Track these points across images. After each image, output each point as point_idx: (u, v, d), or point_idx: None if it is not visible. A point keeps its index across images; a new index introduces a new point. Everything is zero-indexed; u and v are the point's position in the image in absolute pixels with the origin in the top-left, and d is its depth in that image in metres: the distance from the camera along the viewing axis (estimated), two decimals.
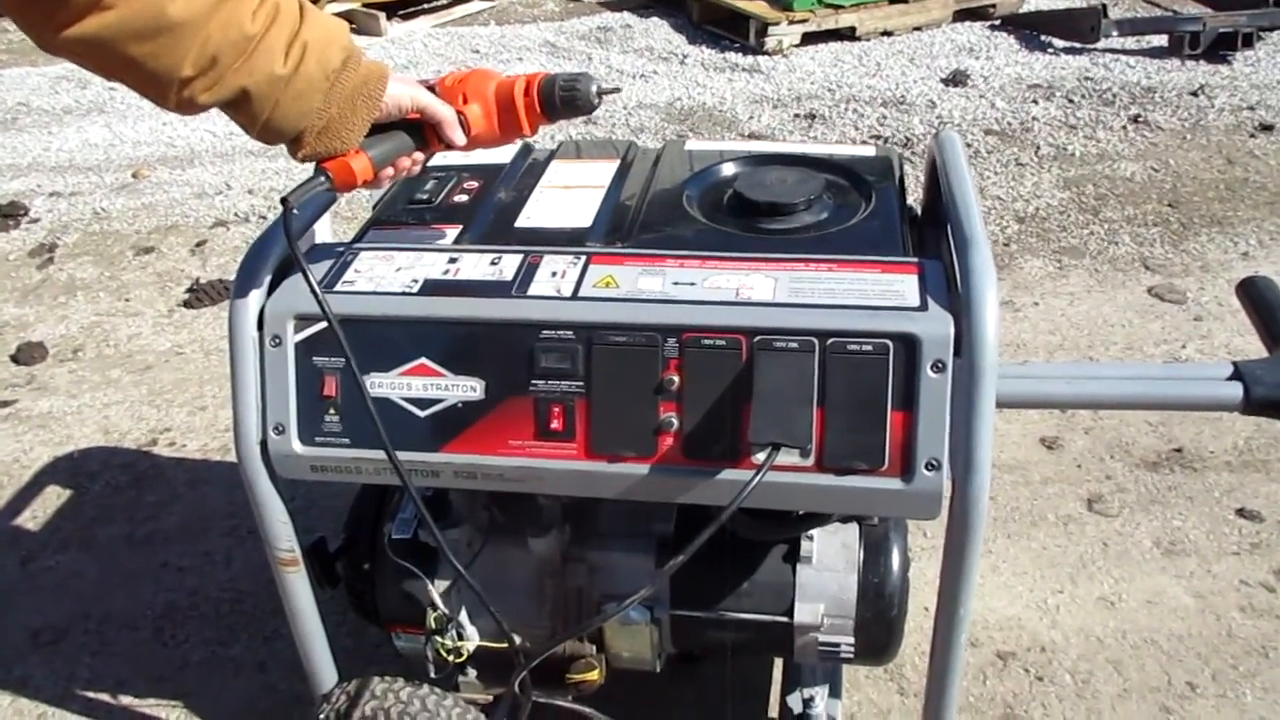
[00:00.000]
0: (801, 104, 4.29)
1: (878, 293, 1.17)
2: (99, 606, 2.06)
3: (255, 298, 1.23)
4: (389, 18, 5.35)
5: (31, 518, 2.30)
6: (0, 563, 2.18)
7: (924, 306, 1.13)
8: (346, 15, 5.29)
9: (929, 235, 1.52)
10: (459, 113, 1.17)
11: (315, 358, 1.22)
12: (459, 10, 5.61)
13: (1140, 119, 4.11)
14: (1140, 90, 4.38)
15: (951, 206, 1.27)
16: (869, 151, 1.55)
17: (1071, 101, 4.29)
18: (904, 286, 1.17)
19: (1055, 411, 2.42)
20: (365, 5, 5.31)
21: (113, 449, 2.49)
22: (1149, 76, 4.52)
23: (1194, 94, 4.34)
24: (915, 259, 1.23)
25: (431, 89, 1.18)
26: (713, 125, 4.14)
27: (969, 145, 3.90)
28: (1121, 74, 4.56)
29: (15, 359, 2.84)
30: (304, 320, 1.22)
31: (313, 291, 1.11)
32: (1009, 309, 2.88)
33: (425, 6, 5.61)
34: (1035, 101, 4.27)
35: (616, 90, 1.21)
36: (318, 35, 1.00)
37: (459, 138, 1.18)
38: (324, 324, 1.21)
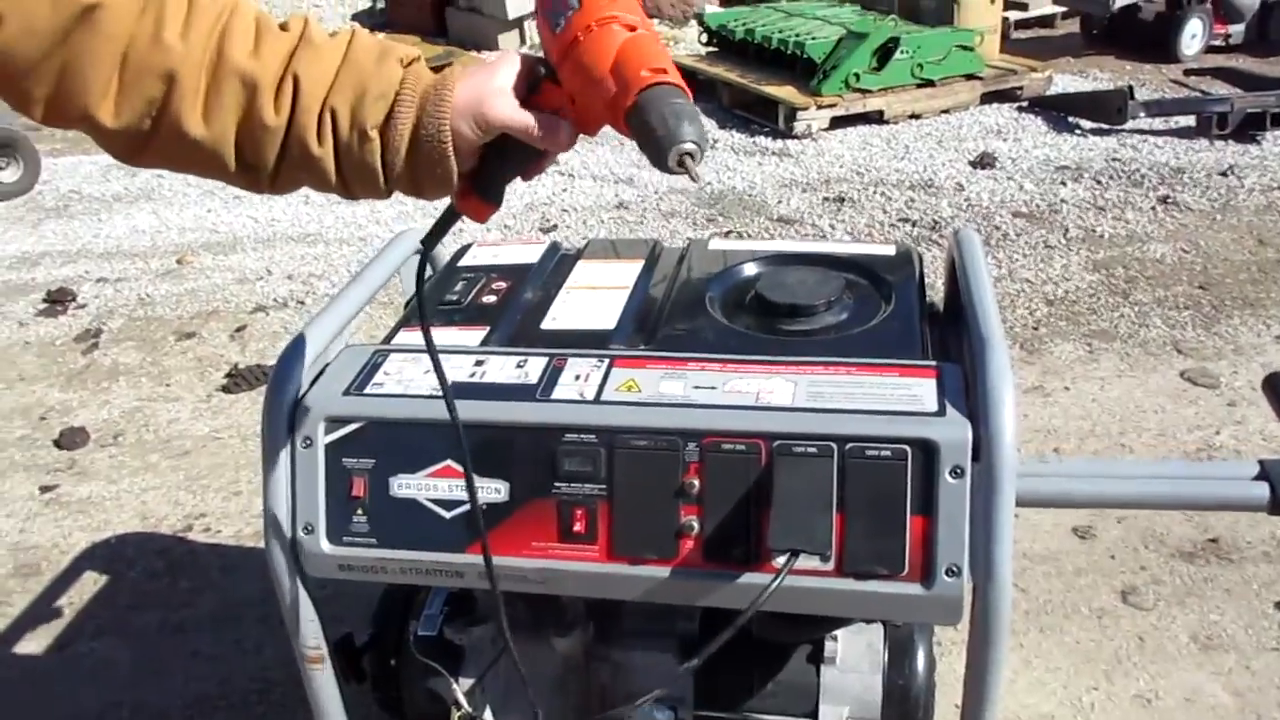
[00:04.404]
0: (830, 187, 4.35)
1: (896, 397, 1.18)
2: (131, 695, 2.07)
3: (288, 401, 1.26)
4: None
5: (68, 604, 2.33)
6: (36, 649, 2.21)
7: (942, 411, 1.14)
8: None
9: (950, 331, 1.53)
10: (551, 110, 0.94)
11: (345, 459, 1.25)
12: None
13: (1169, 200, 4.12)
14: (1169, 171, 4.40)
15: (969, 308, 1.29)
16: (889, 250, 1.58)
17: (1100, 183, 4.31)
18: (922, 390, 1.18)
19: None
20: None
21: (149, 535, 2.53)
22: (1177, 157, 4.55)
23: (1223, 174, 4.35)
24: (934, 362, 1.24)
25: (544, 72, 0.96)
26: (742, 209, 4.20)
27: (997, 228, 3.92)
28: (1150, 155, 4.58)
29: (58, 444, 2.90)
30: (334, 422, 1.25)
31: (431, 355, 1.09)
32: (1039, 394, 2.87)
33: None
34: (1063, 183, 4.30)
35: (695, 178, 0.87)
36: (346, 98, 0.91)
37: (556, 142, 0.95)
38: (354, 425, 1.24)
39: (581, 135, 0.97)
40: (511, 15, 6.58)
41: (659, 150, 0.85)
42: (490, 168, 0.97)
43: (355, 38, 0.95)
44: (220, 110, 0.90)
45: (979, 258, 1.42)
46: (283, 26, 0.94)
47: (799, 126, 4.89)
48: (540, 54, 0.99)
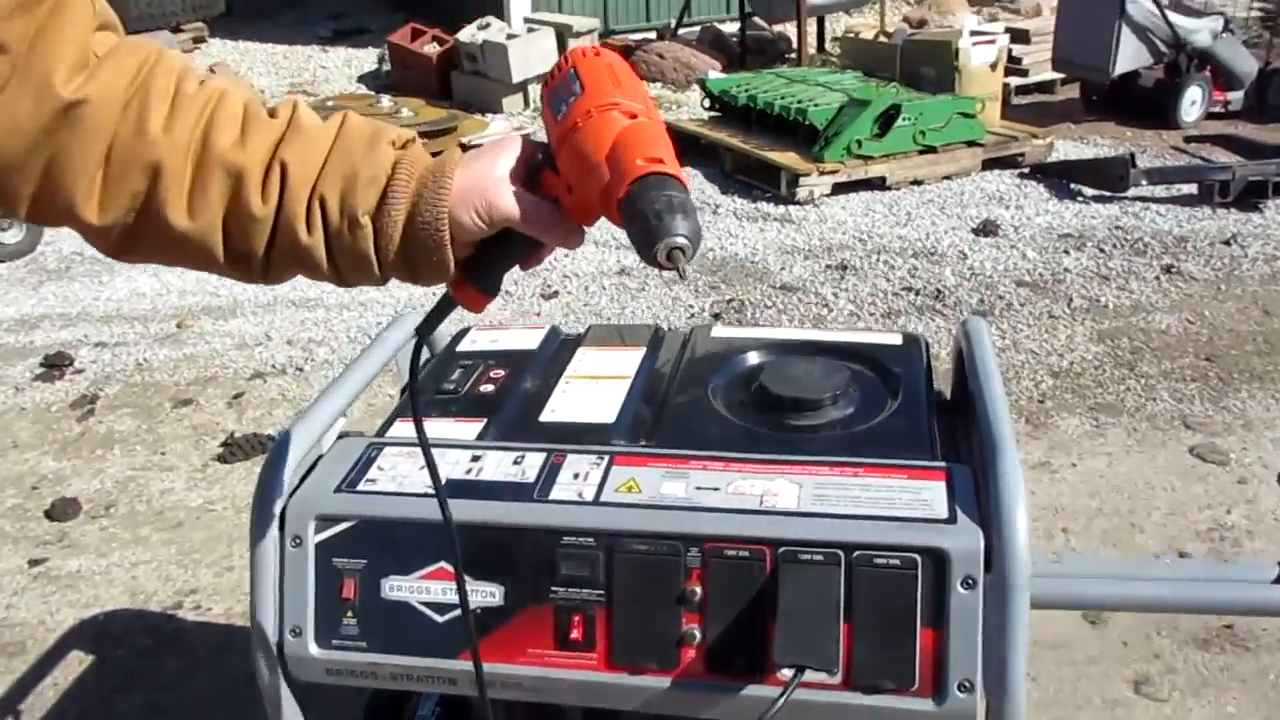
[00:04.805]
0: (833, 255, 4.34)
1: (905, 501, 1.14)
2: None
3: (277, 497, 1.23)
4: None
5: (53, 684, 2.27)
6: None
7: (952, 518, 1.11)
8: None
9: (958, 418, 1.50)
10: (549, 198, 0.91)
11: (335, 559, 1.22)
12: None
13: (1173, 269, 4.11)
14: (1172, 239, 4.40)
15: (979, 405, 1.26)
16: (895, 339, 1.55)
17: (1103, 251, 4.30)
18: (932, 495, 1.15)
19: None
20: None
21: (138, 612, 2.48)
22: (1180, 225, 4.54)
23: (1226, 243, 4.35)
24: (943, 464, 1.20)
25: (543, 156, 0.93)
26: (745, 277, 4.19)
27: (1001, 297, 3.91)
28: (1152, 223, 4.58)
29: (49, 515, 2.86)
30: (325, 521, 1.22)
31: (426, 456, 1.05)
32: (1046, 470, 2.83)
33: None
34: (1066, 252, 4.29)
35: (682, 275, 0.81)
36: (335, 184, 0.87)
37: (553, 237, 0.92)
38: (346, 524, 1.21)
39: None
40: (516, 79, 6.64)
41: (648, 243, 0.80)
42: (487, 257, 0.93)
43: (346, 121, 0.92)
44: (206, 202, 0.87)
45: (988, 349, 1.39)
46: (271, 113, 0.91)
47: (801, 192, 4.90)
48: (542, 132, 0.97)
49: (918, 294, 3.96)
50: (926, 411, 1.36)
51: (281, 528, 1.22)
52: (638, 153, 0.83)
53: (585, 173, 0.86)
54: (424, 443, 1.06)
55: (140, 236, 0.89)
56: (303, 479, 1.28)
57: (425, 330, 1.03)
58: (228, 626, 2.41)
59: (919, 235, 4.51)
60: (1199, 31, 5.98)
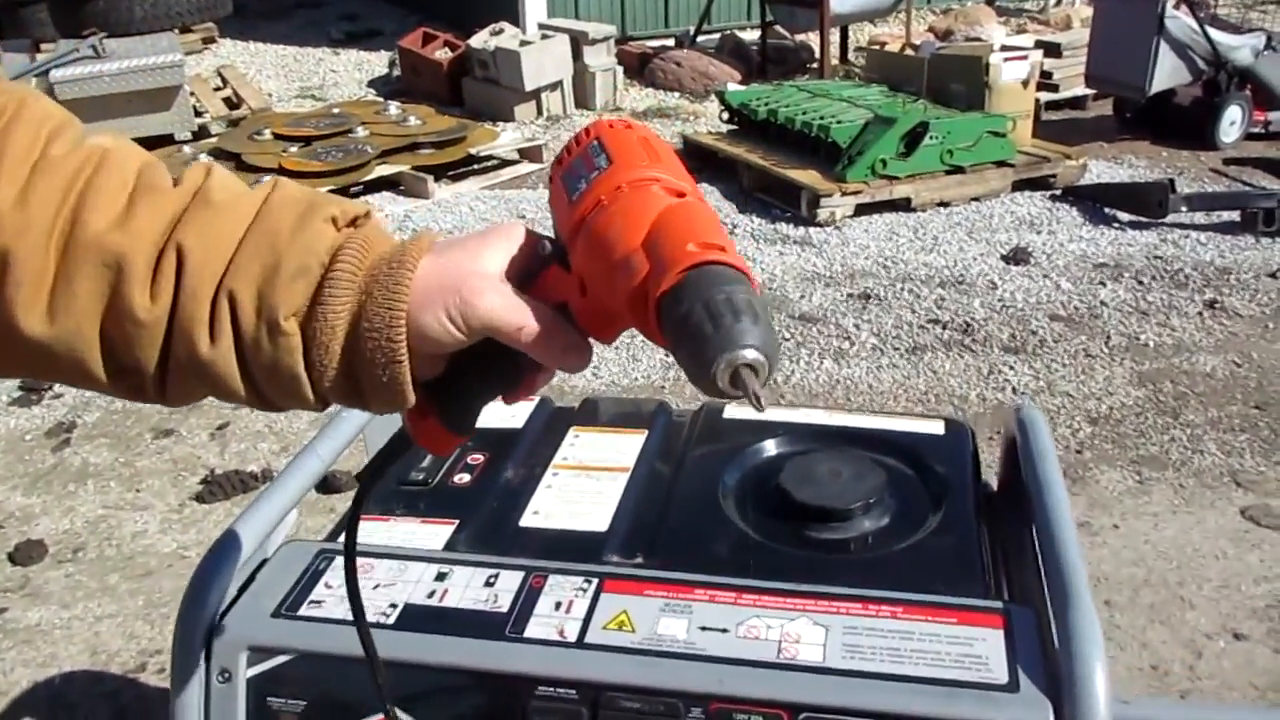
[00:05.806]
0: (855, 282, 4.12)
1: (954, 656, 0.94)
2: None
3: (206, 619, 1.04)
4: (437, 180, 5.34)
5: None
6: None
7: (1013, 684, 0.91)
8: (395, 178, 5.29)
9: (1003, 509, 1.30)
10: (552, 303, 0.66)
11: (270, 699, 1.03)
12: (507, 172, 5.59)
13: (1216, 304, 3.88)
14: (1214, 271, 4.17)
15: (1044, 535, 1.06)
16: (937, 427, 1.34)
17: (1141, 283, 4.08)
18: (987, 648, 0.95)
19: None
20: (414, 168, 5.31)
21: (98, 674, 2.29)
22: (1223, 255, 4.31)
23: (1272, 276, 4.12)
24: (1000, 605, 1.00)
25: (550, 250, 0.69)
26: None
27: (1034, 333, 3.68)
28: (1193, 252, 4.35)
29: (12, 558, 2.68)
30: (259, 653, 1.03)
31: (357, 615, 0.85)
32: (1086, 532, 2.61)
33: (475, 168, 5.61)
34: (1103, 283, 4.06)
35: (757, 406, 0.55)
36: (250, 277, 0.65)
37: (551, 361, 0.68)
38: (281, 659, 1.03)
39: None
40: (529, 87, 6.45)
41: (703, 358, 0.55)
42: (461, 382, 0.68)
43: (275, 191, 0.68)
44: (72, 301, 0.65)
45: (1049, 453, 1.18)
46: (176, 182, 0.67)
47: (822, 214, 4.69)
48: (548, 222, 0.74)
49: (945, 327, 3.73)
50: (975, 527, 1.16)
51: (208, 658, 1.03)
52: (689, 236, 0.59)
53: (610, 265, 0.61)
54: (360, 620, 0.84)
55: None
56: (240, 591, 1.09)
57: (368, 481, 0.78)
58: None
59: (946, 262, 4.29)
60: (1240, 49, 5.73)
